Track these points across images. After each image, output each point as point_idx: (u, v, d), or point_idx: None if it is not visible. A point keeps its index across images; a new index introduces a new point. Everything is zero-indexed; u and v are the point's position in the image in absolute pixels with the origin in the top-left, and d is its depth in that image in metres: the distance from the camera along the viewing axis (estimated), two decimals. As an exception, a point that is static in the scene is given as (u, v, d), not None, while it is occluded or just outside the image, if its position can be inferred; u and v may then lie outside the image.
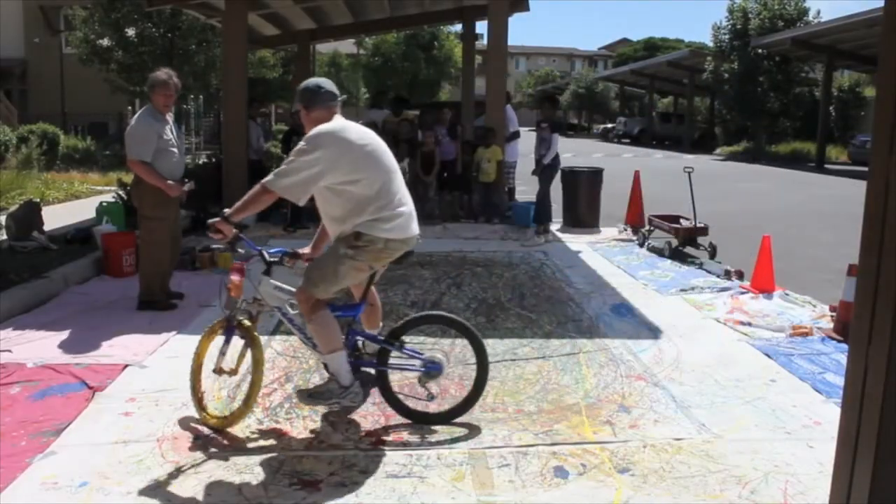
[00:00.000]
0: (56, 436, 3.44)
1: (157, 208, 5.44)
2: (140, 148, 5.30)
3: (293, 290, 3.62)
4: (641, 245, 8.69)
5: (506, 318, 5.54)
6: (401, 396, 3.69)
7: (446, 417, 3.65)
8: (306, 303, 3.53)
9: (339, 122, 3.51)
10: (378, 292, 6.15)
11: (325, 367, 3.79)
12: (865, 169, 2.22)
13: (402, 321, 3.80)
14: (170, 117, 5.59)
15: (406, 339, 3.74)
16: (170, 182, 5.37)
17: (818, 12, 30.65)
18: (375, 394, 4.00)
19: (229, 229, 3.42)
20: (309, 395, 3.76)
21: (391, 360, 3.68)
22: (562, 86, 57.55)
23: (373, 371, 3.73)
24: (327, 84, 3.60)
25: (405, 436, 3.52)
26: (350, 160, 3.39)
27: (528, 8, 13.38)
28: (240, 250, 3.68)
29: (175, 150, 5.52)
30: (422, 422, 3.62)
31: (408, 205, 3.59)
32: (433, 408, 3.74)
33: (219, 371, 3.60)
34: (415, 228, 3.63)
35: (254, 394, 3.54)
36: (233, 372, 3.62)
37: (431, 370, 3.63)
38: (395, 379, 4.12)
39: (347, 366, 3.61)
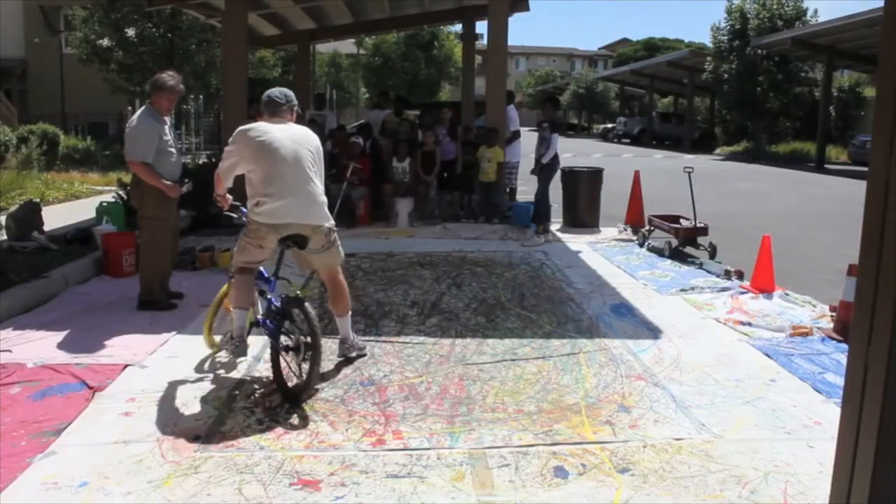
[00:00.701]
0: (56, 436, 3.44)
1: (158, 209, 5.45)
2: (142, 149, 5.30)
3: None
4: (641, 245, 8.68)
5: (506, 318, 5.54)
6: (283, 366, 3.99)
7: (292, 396, 3.89)
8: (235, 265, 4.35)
9: (254, 123, 4.17)
10: (378, 292, 6.19)
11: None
12: (865, 169, 2.22)
13: (284, 300, 4.12)
14: (167, 118, 5.60)
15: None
16: (169, 182, 5.38)
17: (815, 11, 30.67)
18: (376, 394, 4.02)
19: (224, 200, 4.35)
20: (223, 342, 4.45)
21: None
22: (562, 86, 57.52)
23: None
24: (274, 94, 4.22)
25: (405, 436, 3.52)
26: (247, 154, 4.05)
27: (528, 8, 13.38)
28: (244, 218, 4.36)
29: (173, 150, 5.54)
30: (282, 393, 3.93)
31: (291, 196, 4.03)
32: (290, 384, 3.97)
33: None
34: (293, 217, 4.05)
35: (209, 314, 4.57)
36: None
37: (287, 349, 3.97)
38: (395, 380, 4.12)
39: (241, 322, 4.28)
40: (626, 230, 9.62)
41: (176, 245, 5.95)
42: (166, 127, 5.51)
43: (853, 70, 29.99)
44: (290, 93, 4.27)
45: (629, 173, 10.77)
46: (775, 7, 28.30)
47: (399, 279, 6.71)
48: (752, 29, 28.14)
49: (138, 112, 5.55)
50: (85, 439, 3.43)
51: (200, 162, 13.68)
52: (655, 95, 44.31)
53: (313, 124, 11.76)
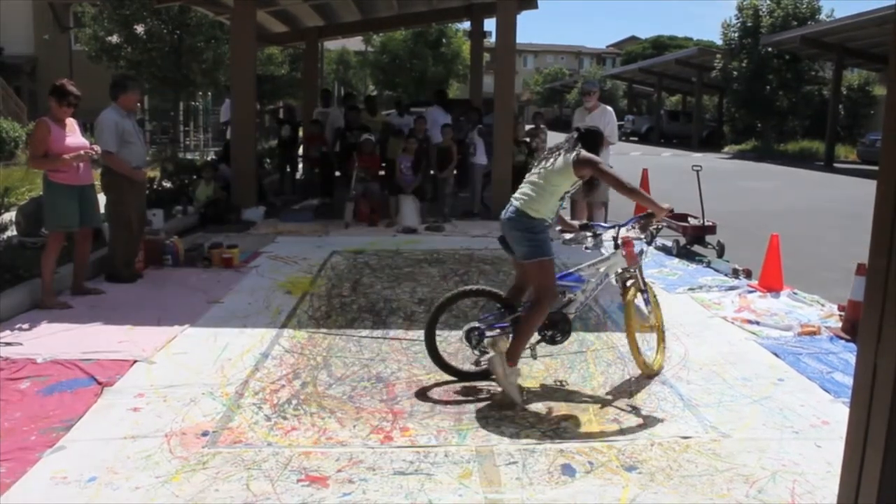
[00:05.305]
0: (65, 431, 3.46)
1: (125, 194, 6.19)
2: (107, 139, 6.00)
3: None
4: (649, 243, 8.64)
5: (513, 316, 5.52)
6: None
7: None
8: None
9: None
10: (386, 289, 6.20)
11: None
12: (875, 168, 2.21)
13: None
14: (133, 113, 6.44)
15: None
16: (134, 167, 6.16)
17: (832, 11, 30.49)
18: (384, 391, 4.03)
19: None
20: None
21: None
22: (570, 83, 57.43)
23: None
24: None
25: (413, 433, 3.53)
26: None
27: (536, 5, 13.38)
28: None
29: (137, 141, 6.27)
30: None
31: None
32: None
33: None
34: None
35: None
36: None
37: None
38: (403, 377, 4.12)
39: None
40: (633, 228, 9.57)
41: (142, 228, 6.60)
42: (129, 121, 6.24)
43: (863, 68, 29.82)
44: None
45: (637, 171, 10.75)
46: (791, 7, 28.15)
47: (406, 276, 6.71)
48: (765, 27, 28.01)
49: (106, 111, 6.15)
50: (93, 434, 3.45)
51: (209, 158, 13.72)
52: (663, 93, 44.17)
53: (316, 125, 11.77)
